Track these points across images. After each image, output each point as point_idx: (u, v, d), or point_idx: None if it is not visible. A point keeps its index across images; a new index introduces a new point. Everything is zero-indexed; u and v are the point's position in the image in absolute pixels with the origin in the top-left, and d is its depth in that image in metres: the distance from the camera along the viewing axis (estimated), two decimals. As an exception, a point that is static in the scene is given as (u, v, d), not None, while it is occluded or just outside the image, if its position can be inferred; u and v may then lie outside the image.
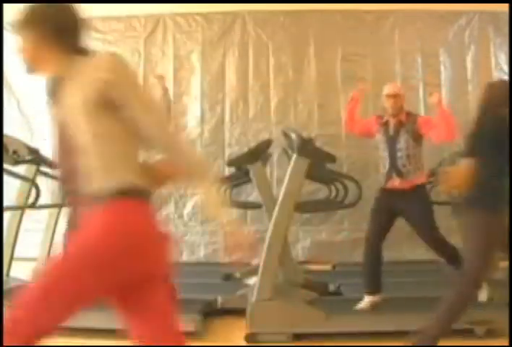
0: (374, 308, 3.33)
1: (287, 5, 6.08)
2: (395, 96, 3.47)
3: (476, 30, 6.18)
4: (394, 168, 3.42)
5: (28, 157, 3.70)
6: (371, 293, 3.37)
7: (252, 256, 1.93)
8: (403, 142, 3.40)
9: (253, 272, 4.06)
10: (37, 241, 4.74)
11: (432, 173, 5.05)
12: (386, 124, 3.50)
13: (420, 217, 3.43)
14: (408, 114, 3.51)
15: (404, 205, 3.42)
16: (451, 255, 3.41)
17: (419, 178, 3.45)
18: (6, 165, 3.41)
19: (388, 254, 5.54)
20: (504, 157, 2.56)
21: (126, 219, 1.55)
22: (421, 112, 6.15)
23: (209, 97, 6.24)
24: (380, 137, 3.52)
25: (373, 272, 3.43)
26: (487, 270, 2.80)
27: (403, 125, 3.42)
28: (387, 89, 3.55)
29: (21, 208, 3.95)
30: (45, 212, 4.72)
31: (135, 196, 1.58)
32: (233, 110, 6.22)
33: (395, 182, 3.44)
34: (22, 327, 1.46)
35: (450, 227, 5.44)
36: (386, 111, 3.52)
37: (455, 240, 5.41)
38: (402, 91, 3.57)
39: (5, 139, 3.39)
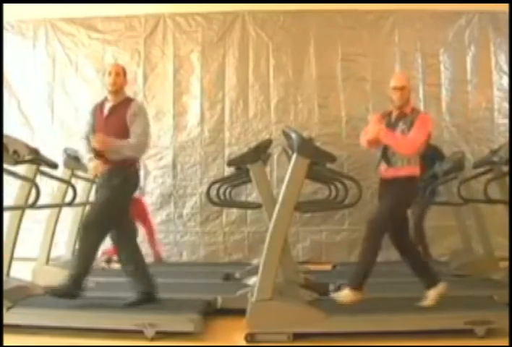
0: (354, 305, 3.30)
1: (287, 5, 6.09)
2: (401, 88, 3.44)
3: (476, 30, 6.19)
4: (384, 155, 3.43)
5: (28, 157, 3.69)
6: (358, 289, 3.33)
7: None
8: (399, 131, 3.39)
9: (253, 272, 4.06)
10: (37, 241, 4.75)
11: (432, 173, 5.06)
12: (389, 115, 3.50)
13: (382, 204, 3.38)
14: (414, 109, 3.50)
15: (384, 194, 3.43)
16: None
17: (407, 170, 3.37)
18: (6, 165, 3.40)
19: (388, 254, 5.58)
20: None
21: None
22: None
23: (209, 97, 6.24)
24: None
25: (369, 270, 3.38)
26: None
27: (405, 116, 3.41)
28: (394, 81, 3.51)
29: (21, 208, 3.95)
30: (45, 212, 4.72)
31: None
32: (233, 109, 6.23)
33: (383, 169, 3.45)
34: None
35: (449, 227, 5.50)
36: (392, 103, 3.50)
37: (453, 240, 5.50)
38: (409, 84, 3.52)
39: (5, 139, 3.37)
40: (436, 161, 5.07)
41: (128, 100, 3.54)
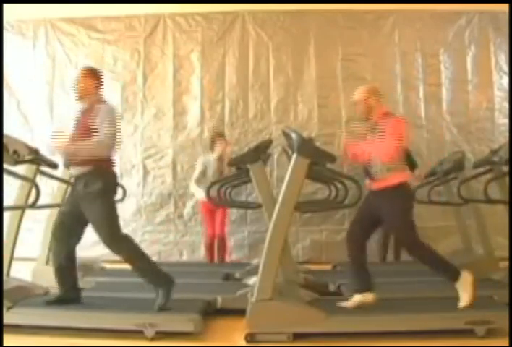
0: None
1: (287, 5, 6.09)
2: (356, 103, 3.48)
3: (476, 30, 6.19)
4: (364, 169, 3.43)
5: (28, 157, 3.69)
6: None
7: None
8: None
9: (253, 272, 4.06)
10: (37, 241, 4.75)
11: (432, 173, 5.07)
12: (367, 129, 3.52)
13: (389, 219, 3.34)
14: (384, 116, 3.41)
15: (376, 206, 3.38)
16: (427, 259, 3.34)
17: (391, 180, 3.32)
18: (6, 165, 3.40)
19: (388, 253, 5.58)
20: None
21: None
22: (422, 112, 6.16)
23: (209, 97, 6.24)
24: None
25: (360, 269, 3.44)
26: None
27: (376, 127, 3.39)
28: (353, 96, 3.53)
29: (21, 208, 3.95)
30: (45, 212, 4.72)
31: None
32: (233, 110, 6.23)
33: (367, 183, 3.47)
34: None
35: (449, 227, 5.50)
36: None
37: (453, 240, 5.49)
38: (365, 95, 3.44)
39: (5, 139, 3.37)
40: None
41: (98, 103, 3.46)
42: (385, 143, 3.28)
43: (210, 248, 5.63)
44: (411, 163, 5.19)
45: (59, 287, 3.46)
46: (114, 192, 3.49)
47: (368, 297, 3.32)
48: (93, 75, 3.54)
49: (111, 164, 3.48)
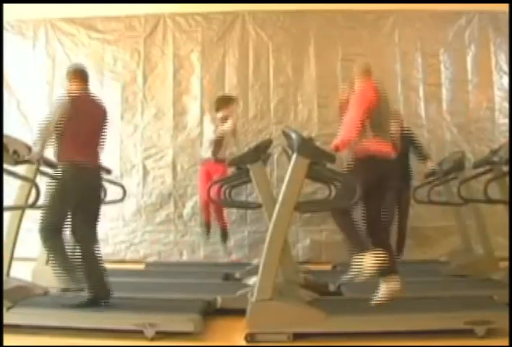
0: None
1: (287, 5, 6.09)
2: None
3: (476, 30, 6.19)
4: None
5: (28, 157, 3.69)
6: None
7: None
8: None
9: (253, 272, 4.06)
10: (37, 241, 4.74)
11: (433, 173, 5.07)
12: None
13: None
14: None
15: None
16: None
17: (359, 151, 3.44)
18: (6, 165, 3.40)
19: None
20: None
21: None
22: (422, 112, 6.16)
23: (209, 97, 6.24)
24: None
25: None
26: None
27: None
28: None
29: (21, 208, 3.95)
30: (45, 212, 4.71)
31: None
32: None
33: None
34: None
35: (449, 227, 5.51)
36: None
37: (453, 240, 5.49)
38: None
39: (5, 139, 3.38)
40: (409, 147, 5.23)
41: None
42: (346, 119, 3.41)
43: (205, 208, 5.60)
44: (419, 154, 5.24)
45: (87, 289, 3.44)
46: (81, 189, 3.44)
47: (392, 281, 3.33)
48: (69, 75, 3.66)
49: (80, 160, 3.44)
